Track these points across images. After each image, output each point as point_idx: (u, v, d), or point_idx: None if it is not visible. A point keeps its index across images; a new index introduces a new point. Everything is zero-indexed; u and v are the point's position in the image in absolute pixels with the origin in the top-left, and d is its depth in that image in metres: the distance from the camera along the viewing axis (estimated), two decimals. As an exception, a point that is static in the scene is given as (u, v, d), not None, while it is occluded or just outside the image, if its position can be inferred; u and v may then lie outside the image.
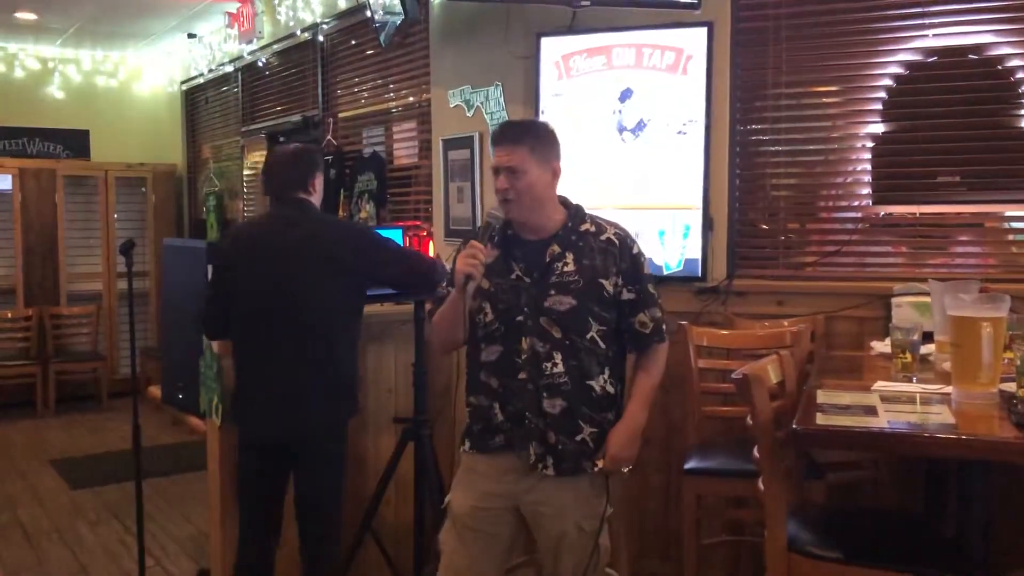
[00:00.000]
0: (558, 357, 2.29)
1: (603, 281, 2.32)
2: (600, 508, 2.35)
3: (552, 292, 2.30)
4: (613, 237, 2.36)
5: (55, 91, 8.00)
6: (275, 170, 3.01)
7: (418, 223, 4.68)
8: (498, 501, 2.38)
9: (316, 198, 2.99)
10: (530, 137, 2.33)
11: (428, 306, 2.55)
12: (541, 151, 2.33)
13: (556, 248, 2.33)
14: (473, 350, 2.41)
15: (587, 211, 2.43)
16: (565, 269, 2.31)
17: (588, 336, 2.30)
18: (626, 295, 2.35)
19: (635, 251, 2.38)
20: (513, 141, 2.31)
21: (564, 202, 2.42)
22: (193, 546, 4.21)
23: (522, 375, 2.31)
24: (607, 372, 2.34)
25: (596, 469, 2.32)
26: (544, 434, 2.31)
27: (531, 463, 2.32)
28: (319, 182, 3.00)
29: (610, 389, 2.35)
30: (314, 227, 2.92)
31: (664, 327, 2.42)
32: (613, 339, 2.36)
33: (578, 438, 2.31)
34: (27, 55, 7.88)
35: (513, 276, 2.34)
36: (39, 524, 4.61)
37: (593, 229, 2.37)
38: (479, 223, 4.09)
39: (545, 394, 2.30)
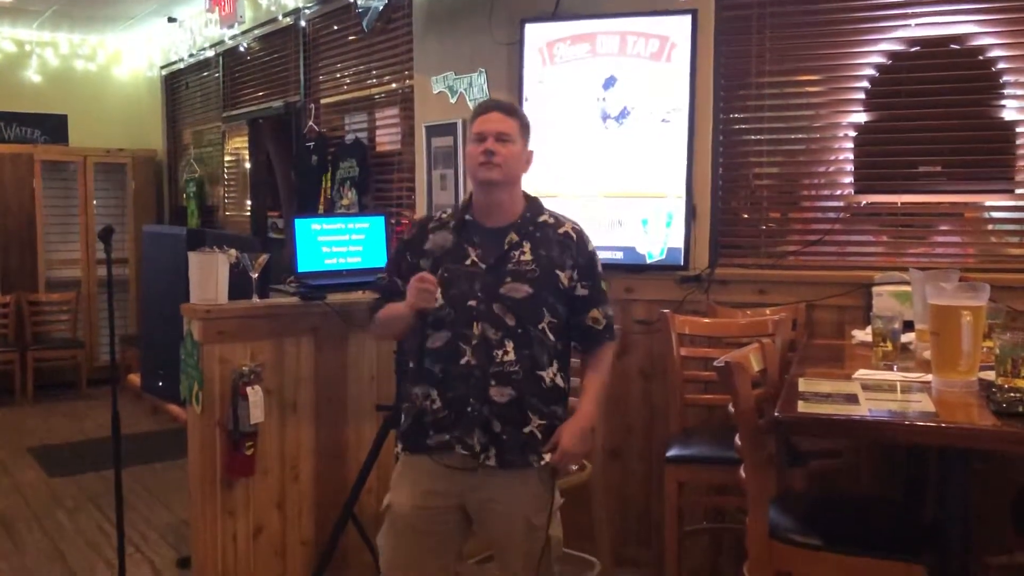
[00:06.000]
0: (510, 345, 2.26)
1: (559, 272, 2.32)
2: (548, 502, 2.31)
3: (508, 279, 2.28)
4: (571, 231, 2.38)
5: (32, 75, 7.88)
6: None
7: (401, 212, 4.66)
8: (441, 499, 2.32)
9: None
10: (521, 116, 2.43)
11: (365, 294, 2.61)
12: (526, 132, 2.41)
13: (514, 236, 2.33)
14: (418, 338, 2.36)
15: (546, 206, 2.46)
16: (522, 258, 2.30)
17: (540, 326, 2.29)
18: (580, 291, 2.35)
19: (591, 248, 2.40)
20: (507, 112, 2.39)
21: (524, 195, 2.45)
22: (173, 534, 4.19)
23: (467, 360, 2.26)
24: (556, 365, 2.33)
25: (543, 463, 2.28)
26: (488, 422, 2.26)
27: (475, 452, 2.26)
28: None
29: (560, 383, 2.34)
30: None
31: (615, 327, 2.45)
32: (562, 333, 2.34)
33: (526, 430, 2.27)
34: (3, 38, 7.76)
35: (468, 262, 2.32)
36: (17, 512, 4.57)
37: (552, 221, 2.39)
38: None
39: (493, 381, 2.25)
